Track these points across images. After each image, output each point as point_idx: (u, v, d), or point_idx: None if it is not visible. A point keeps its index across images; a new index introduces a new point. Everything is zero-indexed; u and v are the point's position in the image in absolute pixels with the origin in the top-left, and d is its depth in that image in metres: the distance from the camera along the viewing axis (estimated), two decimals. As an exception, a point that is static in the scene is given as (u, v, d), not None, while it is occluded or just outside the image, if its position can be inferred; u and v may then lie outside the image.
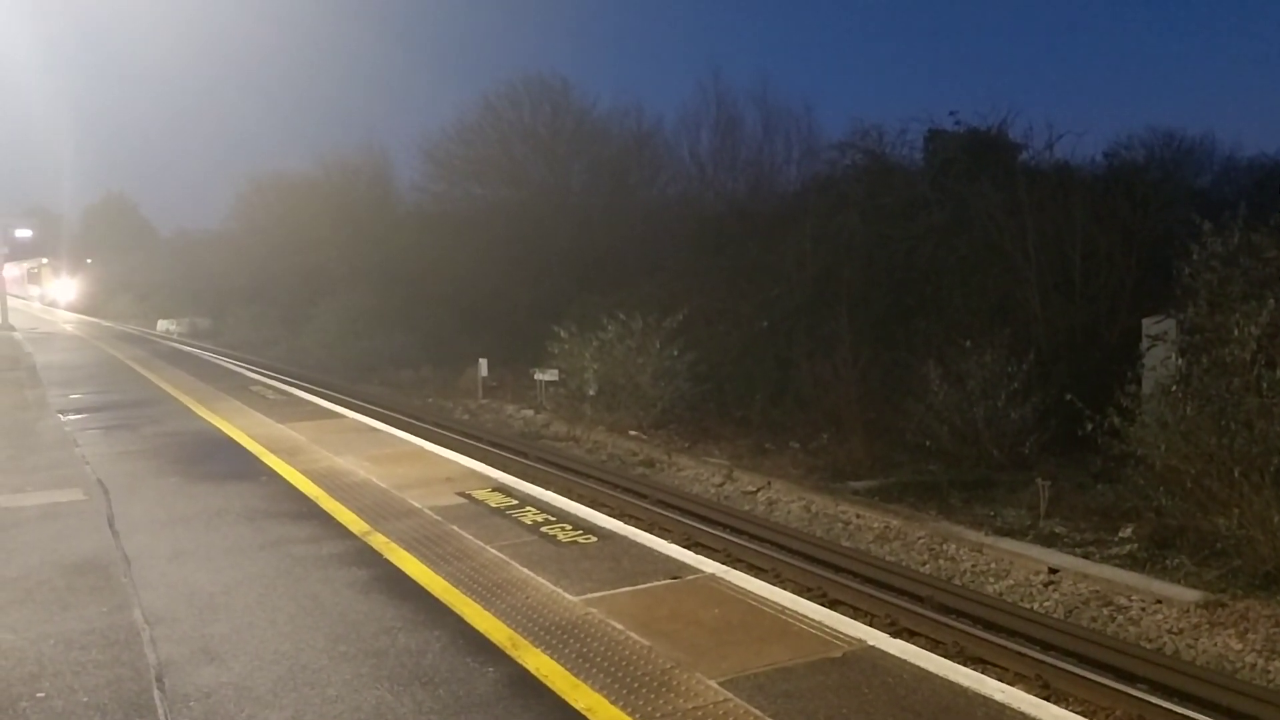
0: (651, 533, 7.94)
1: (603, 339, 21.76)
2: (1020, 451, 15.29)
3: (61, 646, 4.95)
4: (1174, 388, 11.91)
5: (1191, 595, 9.98)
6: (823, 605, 6.27)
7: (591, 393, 21.90)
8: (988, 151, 23.55)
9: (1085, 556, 11.48)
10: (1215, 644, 9.18)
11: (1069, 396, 12.72)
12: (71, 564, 6.32)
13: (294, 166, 55.43)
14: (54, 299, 69.79)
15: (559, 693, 4.36)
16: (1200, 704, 7.76)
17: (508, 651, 4.82)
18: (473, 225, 35.93)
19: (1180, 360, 12.20)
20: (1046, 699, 7.75)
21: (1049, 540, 12.15)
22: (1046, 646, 8.81)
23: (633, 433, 20.06)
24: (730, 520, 13.40)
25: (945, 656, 5.31)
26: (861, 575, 10.96)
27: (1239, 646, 9.05)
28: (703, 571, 6.12)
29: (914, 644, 5.52)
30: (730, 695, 4.30)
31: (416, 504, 7.87)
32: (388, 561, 6.33)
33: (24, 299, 70.83)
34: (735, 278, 24.64)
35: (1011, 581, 11.15)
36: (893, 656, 4.75)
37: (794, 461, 17.12)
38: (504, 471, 9.64)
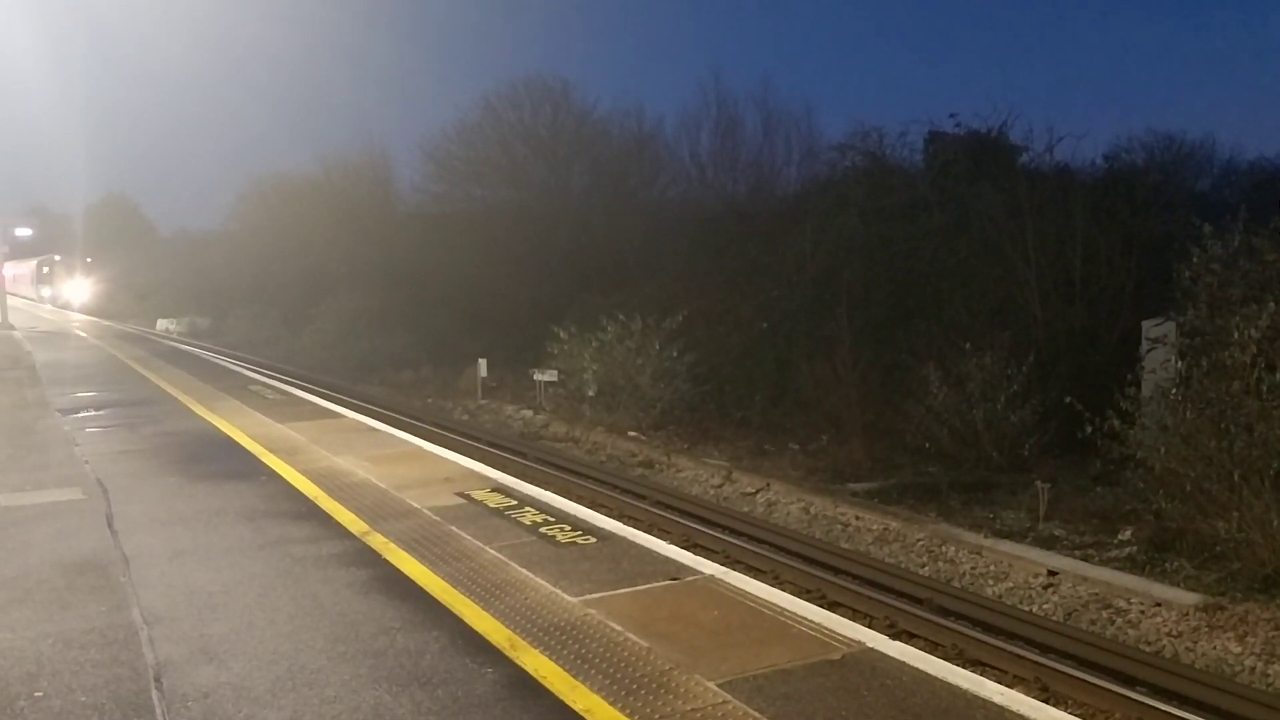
0: (650, 534, 7.95)
1: (602, 340, 21.75)
2: (1020, 454, 15.29)
3: (60, 646, 4.95)
4: (1174, 391, 11.90)
5: (1191, 598, 9.98)
6: (822, 607, 6.27)
7: (591, 393, 21.89)
8: (988, 154, 23.56)
9: (1084, 559, 11.48)
10: (1214, 647, 9.17)
11: (1069, 399, 12.71)
12: (70, 563, 6.32)
13: (295, 167, 55.59)
14: (67, 299, 64.44)
15: (558, 694, 4.35)
16: (1199, 707, 7.75)
17: (506, 652, 4.81)
18: (473, 226, 35.95)
19: (1180, 363, 12.19)
20: (1046, 701, 7.74)
21: (1048, 543, 12.15)
22: (1046, 649, 8.81)
23: (632, 434, 20.06)
24: (729, 522, 13.39)
25: (944, 659, 5.30)
26: (861, 577, 10.95)
27: (1238, 650, 9.05)
28: (702, 573, 6.12)
29: (913, 646, 5.53)
30: (729, 697, 4.30)
31: (415, 504, 7.86)
32: (387, 562, 6.33)
33: (32, 300, 66.76)
34: (735, 279, 24.65)
35: (1011, 584, 11.14)
36: (892, 659, 4.75)
37: (793, 463, 17.11)
38: (503, 472, 9.64)
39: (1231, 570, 10.45)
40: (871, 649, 4.87)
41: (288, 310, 40.54)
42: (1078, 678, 8.12)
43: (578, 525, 7.24)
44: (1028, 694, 5.89)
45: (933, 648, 8.30)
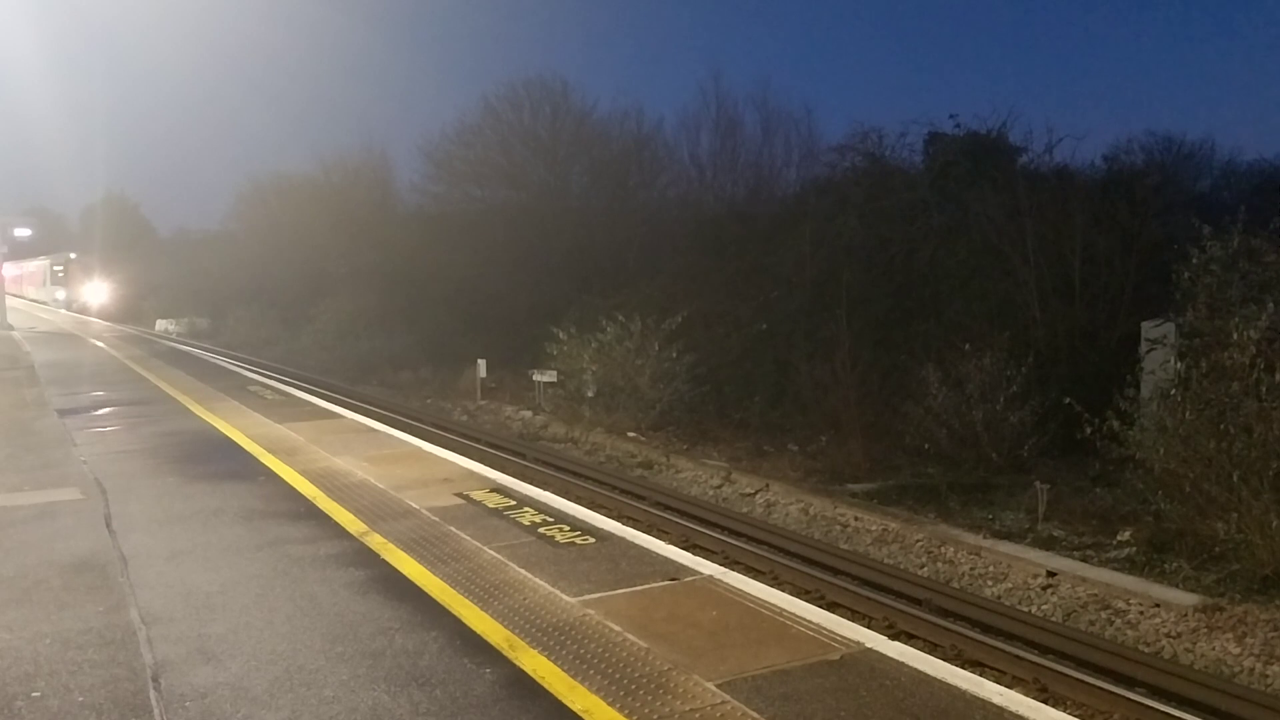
0: (650, 534, 7.94)
1: (602, 340, 21.75)
2: (1019, 455, 15.30)
3: (58, 646, 4.94)
4: (1173, 391, 11.91)
5: (1190, 599, 9.98)
6: (821, 607, 6.26)
7: (590, 394, 21.89)
8: (987, 155, 23.57)
9: (1083, 560, 11.48)
10: (1213, 648, 9.17)
11: (1068, 400, 12.72)
12: (68, 563, 6.31)
13: (295, 167, 55.61)
14: (85, 302, 56.83)
15: (556, 694, 4.34)
16: (1198, 708, 7.75)
17: (505, 653, 4.80)
18: (473, 227, 35.95)
19: (1179, 364, 12.20)
20: (1045, 702, 7.73)
21: (1047, 543, 12.15)
22: (1044, 650, 8.80)
23: (631, 434, 20.05)
24: (728, 522, 13.39)
25: (943, 659, 5.29)
26: (860, 578, 10.95)
27: (1237, 650, 9.04)
28: (701, 573, 6.11)
29: (912, 647, 5.52)
30: (728, 697, 4.29)
31: (414, 504, 7.85)
32: (385, 562, 6.32)
33: (43, 302, 60.26)
34: (734, 280, 24.65)
35: (1010, 584, 11.14)
36: (891, 659, 4.74)
37: (792, 464, 17.11)
38: (502, 472, 9.64)
39: (1230, 571, 10.46)
40: (870, 649, 4.87)
41: (287, 311, 40.55)
42: (1077, 678, 8.12)
43: (577, 526, 7.23)
44: (1027, 694, 5.88)
45: (932, 648, 8.30)
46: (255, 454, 10.12)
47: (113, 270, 58.01)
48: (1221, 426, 11.03)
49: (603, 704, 4.24)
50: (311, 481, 8.71)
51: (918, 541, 12.58)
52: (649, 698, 4.30)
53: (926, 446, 15.91)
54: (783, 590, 7.06)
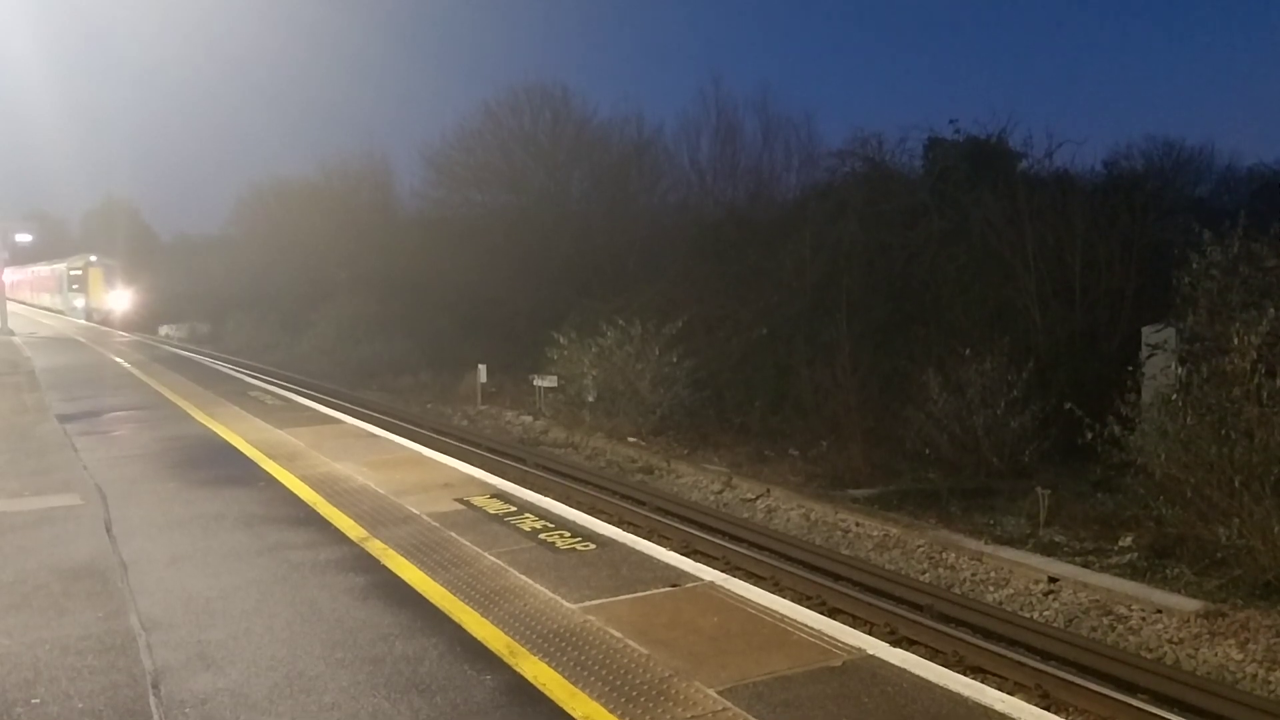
0: (650, 540, 7.93)
1: (602, 345, 21.75)
2: (1020, 460, 15.28)
3: (57, 652, 4.92)
4: (1174, 396, 11.90)
5: (1192, 605, 9.96)
6: (822, 613, 6.25)
7: (590, 399, 21.88)
8: (987, 160, 23.58)
9: (1085, 565, 11.46)
10: (1216, 654, 9.15)
11: (1068, 405, 12.71)
12: (68, 569, 6.30)
13: (295, 172, 55.67)
14: (109, 310, 49.95)
15: (557, 701, 4.33)
16: (1201, 714, 7.74)
17: (505, 659, 4.79)
18: (473, 232, 35.99)
19: (1180, 369, 12.19)
20: (1047, 709, 7.71)
21: (1049, 549, 12.13)
22: (1046, 656, 8.79)
23: (631, 439, 20.04)
24: (729, 528, 13.37)
25: (945, 665, 5.28)
26: (861, 583, 10.93)
27: (1240, 656, 9.02)
28: (702, 579, 6.10)
29: (913, 653, 5.51)
30: (729, 704, 4.28)
31: (414, 510, 7.84)
32: (385, 568, 6.31)
33: (59, 311, 53.50)
34: (735, 285, 24.65)
35: (1011, 590, 11.12)
36: (892, 665, 4.73)
37: (793, 469, 17.10)
38: (502, 478, 9.62)
39: (1232, 576, 10.44)
40: (872, 656, 4.85)
41: (287, 316, 40.54)
42: (1079, 685, 8.10)
43: (577, 531, 7.22)
44: (1028, 701, 5.88)
45: (933, 654, 8.28)
46: (256, 459, 10.11)
47: (136, 275, 52.22)
48: (1223, 431, 11.02)
49: (604, 711, 4.22)
50: (312, 487, 8.70)
51: (919, 547, 12.57)
52: (650, 704, 4.28)
53: (927, 451, 15.90)
54: (784, 596, 7.04)
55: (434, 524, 7.41)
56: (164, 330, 47.85)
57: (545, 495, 8.99)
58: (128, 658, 4.85)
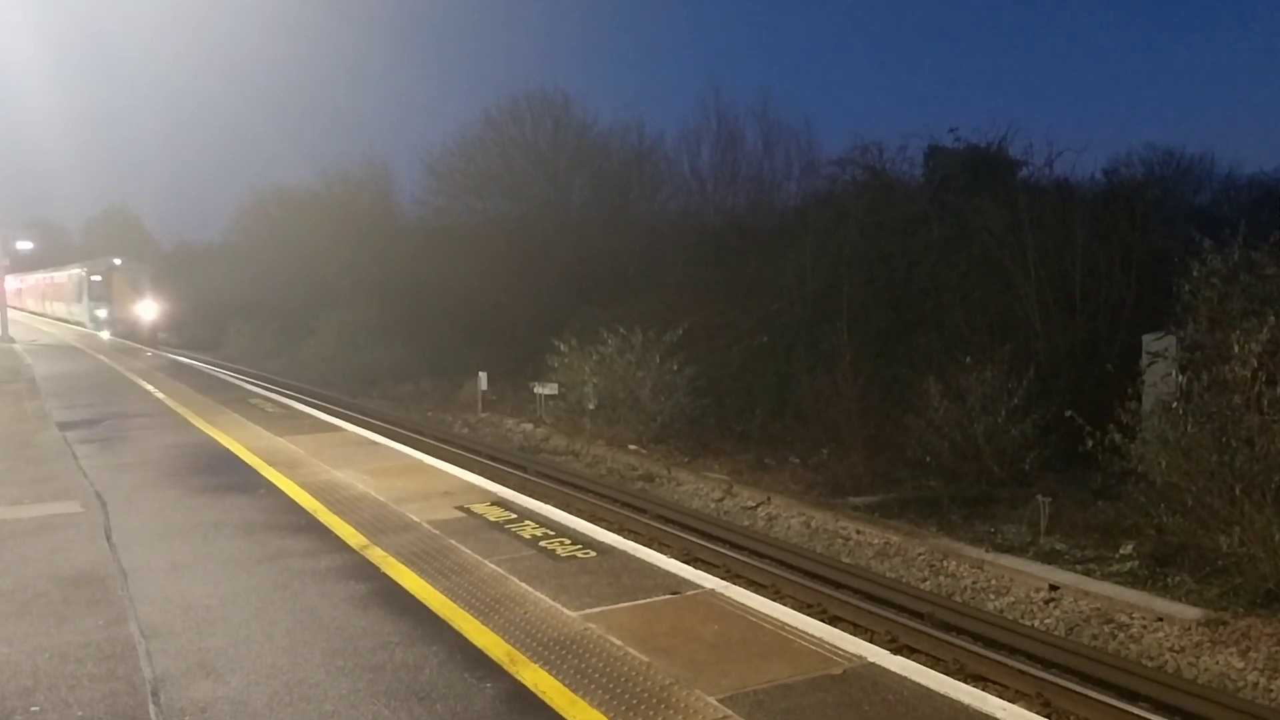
0: (651, 548, 7.91)
1: (603, 353, 21.76)
2: (1020, 468, 15.27)
3: (57, 660, 4.92)
4: (1174, 404, 11.90)
5: (1193, 613, 9.95)
6: (823, 621, 6.24)
7: (591, 407, 21.88)
8: (988, 168, 23.63)
9: (1086, 574, 11.45)
10: (1217, 662, 9.14)
11: (1069, 413, 12.71)
12: (68, 576, 6.29)
13: (296, 179, 55.71)
14: (137, 319, 43.56)
15: (557, 709, 4.32)
16: (1202, 723, 7.72)
17: (506, 667, 4.79)
18: (473, 239, 36.03)
19: (1181, 377, 12.19)
20: (1048, 717, 7.73)
21: (1049, 557, 12.12)
22: (1048, 664, 8.78)
23: (632, 447, 20.03)
24: (730, 535, 13.36)
25: (946, 674, 5.27)
26: (862, 591, 10.92)
27: (1241, 665, 9.01)
28: (702, 587, 6.09)
29: (914, 661, 5.49)
30: (730, 712, 4.27)
31: (415, 518, 7.84)
32: (386, 575, 6.30)
33: (78, 323, 46.36)
34: (735, 292, 24.67)
35: (1012, 598, 11.11)
36: (893, 673, 4.72)
37: (794, 477, 17.09)
38: (503, 485, 9.62)
39: (1234, 585, 10.42)
40: (873, 664, 4.85)
41: (288, 323, 40.54)
42: (1080, 693, 8.09)
43: (578, 539, 7.21)
44: (1030, 709, 5.85)
45: (934, 662, 8.27)
46: (256, 467, 10.10)
47: (166, 282, 46.12)
48: (1223, 440, 11.02)
49: (604, 719, 4.22)
50: (312, 494, 8.70)
51: (920, 555, 12.55)
52: (650, 713, 4.28)
53: (928, 459, 15.89)
54: (785, 604, 7.03)
55: (434, 531, 7.40)
56: (163, 337, 47.70)
57: (546, 502, 8.99)
58: (127, 666, 4.84)
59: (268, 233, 49.19)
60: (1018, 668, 8.61)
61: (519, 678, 4.66)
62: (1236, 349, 11.21)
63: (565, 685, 4.55)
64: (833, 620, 8.99)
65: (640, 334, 21.24)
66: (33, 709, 4.37)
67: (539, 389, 23.41)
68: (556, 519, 7.92)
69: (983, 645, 9.25)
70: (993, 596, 11.25)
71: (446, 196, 40.98)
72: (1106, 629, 10.05)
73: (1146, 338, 14.95)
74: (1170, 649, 9.49)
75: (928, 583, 11.83)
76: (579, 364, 22.24)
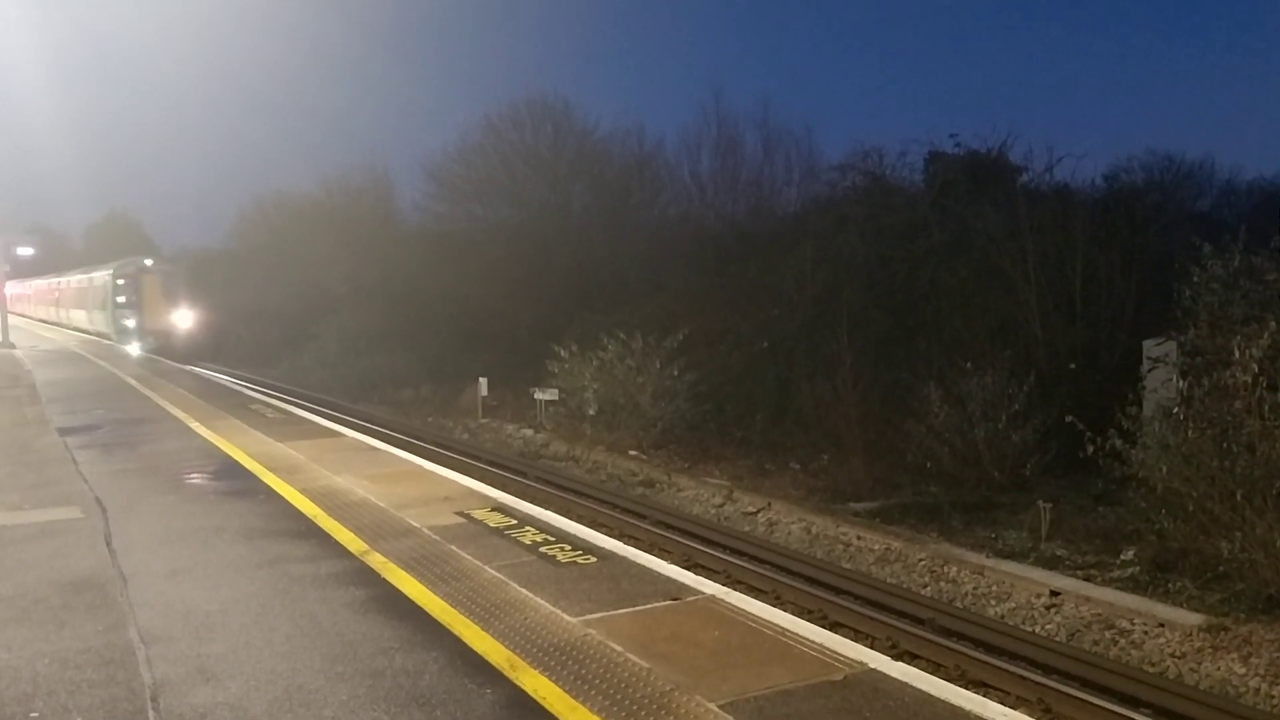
0: (651, 553, 7.91)
1: (603, 358, 21.76)
2: (1021, 473, 15.26)
3: (56, 665, 4.91)
4: (1175, 410, 11.89)
5: (1194, 619, 9.93)
6: (823, 627, 6.23)
7: (591, 412, 21.88)
8: (988, 174, 23.66)
9: (1087, 579, 11.44)
10: (1218, 668, 9.12)
11: (1070, 418, 12.70)
12: (68, 582, 6.28)
13: (297, 185, 55.49)
14: (171, 328, 37.64)
15: (557, 715, 4.31)
16: (1204, 729, 7.70)
17: (506, 673, 4.78)
18: (474, 245, 36.06)
19: (1181, 382, 12.19)
20: (1049, 723, 7.71)
21: (1050, 563, 12.11)
22: (1049, 670, 8.76)
23: (632, 452, 20.02)
24: (730, 541, 13.35)
25: (947, 679, 5.26)
26: (862, 597, 10.91)
27: (1242, 671, 8.99)
28: (703, 593, 6.08)
29: (915, 666, 5.49)
30: (730, 718, 4.26)
31: (415, 523, 7.83)
32: (386, 581, 6.29)
33: (100, 332, 39.71)
34: (736, 298, 24.69)
35: (1013, 604, 11.09)
36: (894, 679, 4.71)
37: (794, 482, 17.08)
38: (503, 491, 9.61)
39: (1235, 590, 10.40)
40: (874, 670, 4.84)
41: (288, 328, 40.54)
42: (1081, 699, 8.07)
43: (578, 545, 7.20)
44: (1031, 715, 5.86)
45: (935, 668, 8.26)
46: (256, 472, 10.10)
47: (201, 286, 40.59)
48: (1224, 445, 11.01)
49: (604, 725, 4.21)
50: (312, 500, 8.69)
51: (920, 561, 12.54)
52: (651, 719, 4.27)
53: (928, 465, 15.88)
54: (785, 610, 7.01)
55: (434, 537, 7.39)
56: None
57: (546, 508, 8.98)
58: (127, 671, 4.83)
59: (268, 238, 49.21)
60: (1019, 673, 8.60)
61: (519, 684, 4.65)
62: (1237, 354, 11.21)
63: (565, 691, 4.54)
64: (833, 626, 8.97)
65: (640, 339, 21.24)
66: (32, 715, 4.37)
67: (539, 394, 23.41)
68: (557, 524, 7.91)
69: (984, 651, 9.23)
70: (994, 602, 11.23)
71: (447, 202, 41.05)
72: (1108, 635, 10.03)
73: (1147, 343, 14.96)
74: (1172, 655, 9.47)
75: (928, 588, 11.82)
76: (579, 369, 22.24)
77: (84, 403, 16.66)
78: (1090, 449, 12.27)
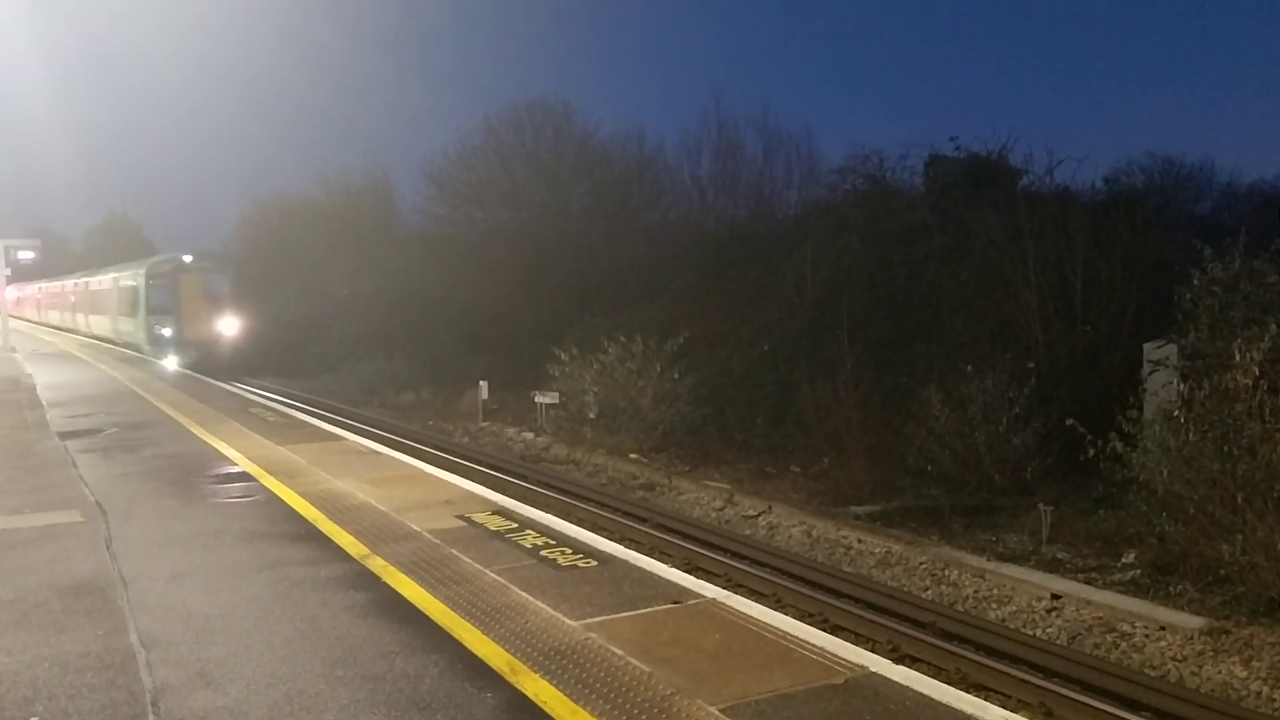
0: (652, 557, 7.91)
1: (603, 361, 21.76)
2: (1022, 476, 15.25)
3: (56, 669, 4.91)
4: (1176, 413, 11.88)
5: (1195, 622, 9.92)
6: (824, 631, 6.22)
7: (592, 415, 21.87)
8: (988, 177, 23.65)
9: (1088, 582, 11.42)
10: (1219, 671, 9.10)
11: (1070, 421, 12.69)
12: (68, 586, 6.28)
13: (297, 188, 55.58)
14: (215, 336, 32.67)
15: (558, 719, 4.31)
16: (1205, 733, 7.69)
17: (506, 677, 4.77)
18: (474, 248, 36.05)
19: (1182, 385, 12.18)
20: (1050, 727, 7.70)
21: (1051, 566, 12.10)
22: (1050, 673, 8.75)
23: (633, 456, 20.01)
24: (731, 545, 13.34)
25: (948, 683, 5.26)
26: (863, 601, 10.90)
27: (1244, 674, 8.98)
28: (704, 596, 6.08)
29: (916, 670, 5.48)
30: (731, 722, 4.26)
31: (415, 527, 7.83)
32: (386, 585, 6.29)
33: (132, 346, 33.71)
34: (736, 301, 24.68)
35: (1014, 607, 11.08)
36: (895, 683, 4.71)
37: (795, 486, 17.07)
38: (504, 494, 9.61)
39: (1236, 594, 10.39)
40: (874, 673, 4.83)
41: (288, 332, 40.47)
42: (1082, 702, 8.06)
43: (579, 548, 7.20)
44: (1032, 718, 5.84)
45: (936, 672, 8.24)
46: (256, 476, 10.10)
47: (249, 288, 35.22)
48: (1225, 448, 11.00)
49: (605, 729, 4.21)
50: (312, 504, 8.69)
51: (921, 564, 12.53)
52: (652, 722, 4.26)
53: (929, 468, 15.87)
54: (786, 613, 7.01)
55: (435, 541, 7.39)
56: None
57: (547, 512, 8.98)
58: (127, 675, 4.83)
59: (269, 242, 49.15)
60: (1020, 677, 8.59)
61: (520, 687, 4.64)
62: (1238, 357, 11.21)
63: (566, 695, 4.54)
64: (834, 629, 8.96)
65: (641, 343, 21.23)
66: (32, 719, 4.36)
67: (540, 398, 23.40)
68: (557, 528, 7.91)
69: (985, 654, 9.22)
70: (994, 605, 11.22)
71: (447, 205, 41.03)
72: (1109, 638, 10.02)
73: (1148, 346, 14.95)
74: (1173, 658, 9.46)
75: (929, 592, 11.81)
76: (580, 373, 22.23)
77: (84, 407, 16.66)
78: (1091, 452, 12.26)
